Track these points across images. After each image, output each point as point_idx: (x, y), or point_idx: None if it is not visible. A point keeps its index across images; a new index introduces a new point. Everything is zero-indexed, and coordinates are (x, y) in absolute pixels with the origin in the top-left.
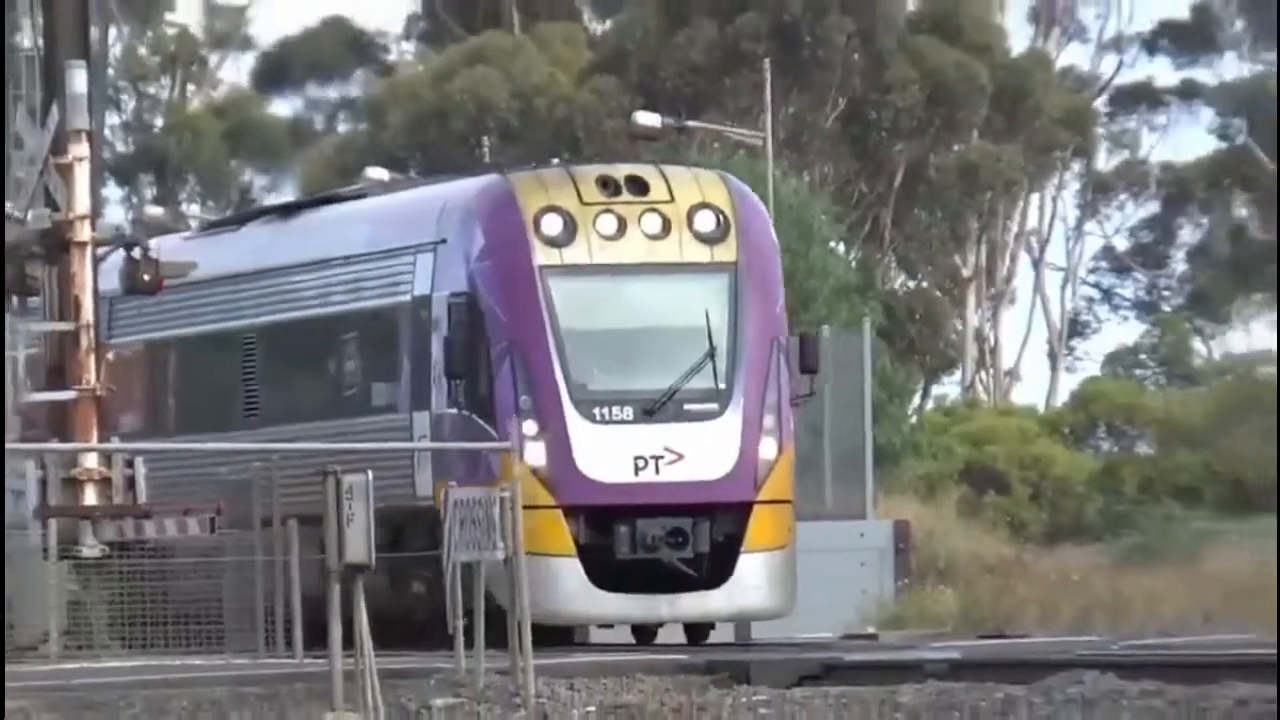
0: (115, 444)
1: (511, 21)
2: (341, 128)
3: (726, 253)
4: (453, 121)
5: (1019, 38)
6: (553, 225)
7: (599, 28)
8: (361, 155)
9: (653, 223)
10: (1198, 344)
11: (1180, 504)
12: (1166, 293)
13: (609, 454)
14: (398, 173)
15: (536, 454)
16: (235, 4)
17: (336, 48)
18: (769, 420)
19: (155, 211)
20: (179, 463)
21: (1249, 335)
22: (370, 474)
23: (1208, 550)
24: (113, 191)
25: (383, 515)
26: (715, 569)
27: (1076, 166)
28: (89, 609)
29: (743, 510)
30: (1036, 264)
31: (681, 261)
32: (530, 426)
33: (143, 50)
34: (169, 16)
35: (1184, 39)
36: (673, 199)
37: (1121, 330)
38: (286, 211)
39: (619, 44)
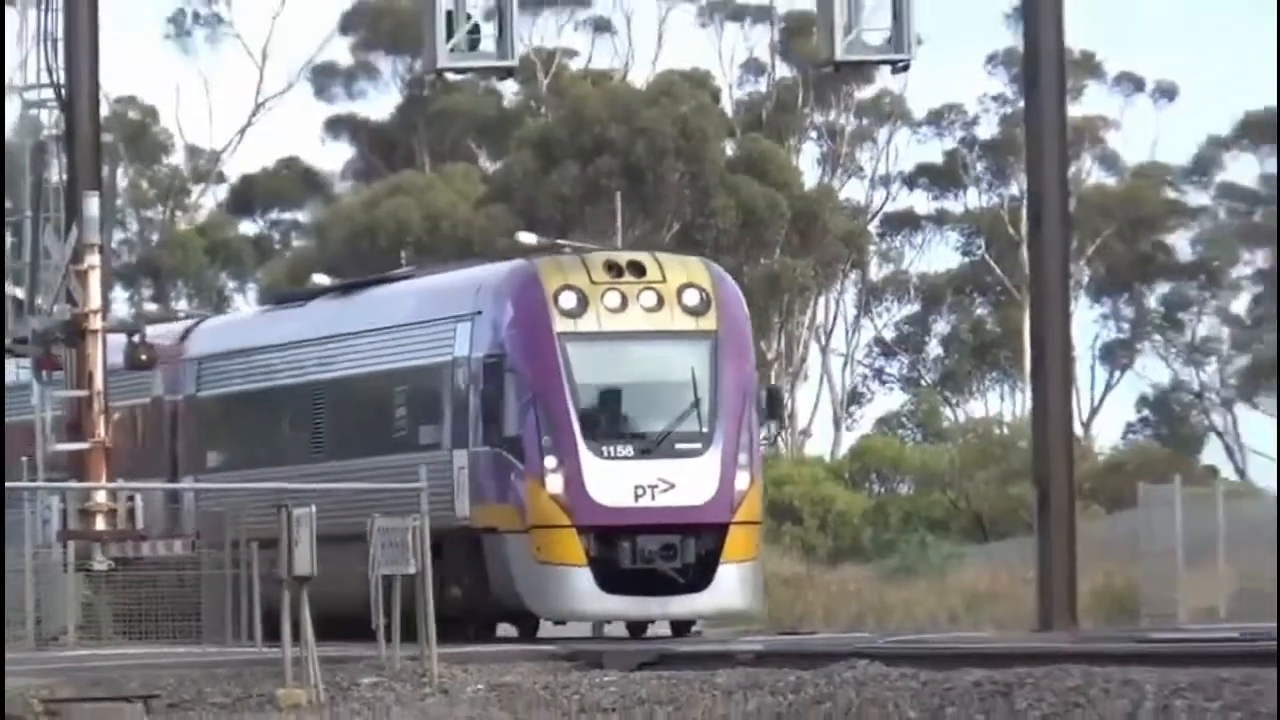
0: (120, 483)
1: (423, 163)
2: (294, 243)
3: (708, 323)
4: (380, 239)
5: (811, 176)
6: (569, 300)
7: (491, 167)
8: (310, 265)
9: (649, 298)
10: (946, 410)
11: (932, 533)
12: (923, 371)
13: (614, 483)
14: (338, 278)
15: (556, 484)
16: (213, 148)
17: (290, 182)
18: (743, 457)
19: (152, 308)
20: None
21: (985, 403)
22: (314, 507)
23: (952, 569)
24: (119, 293)
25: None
26: (700, 576)
27: (854, 275)
28: (98, 609)
29: (722, 529)
30: (824, 350)
31: (672, 329)
32: (551, 461)
33: (143, 183)
34: (164, 159)
35: (937, 177)
36: (665, 279)
37: (888, 400)
38: (347, 290)
39: (506, 180)
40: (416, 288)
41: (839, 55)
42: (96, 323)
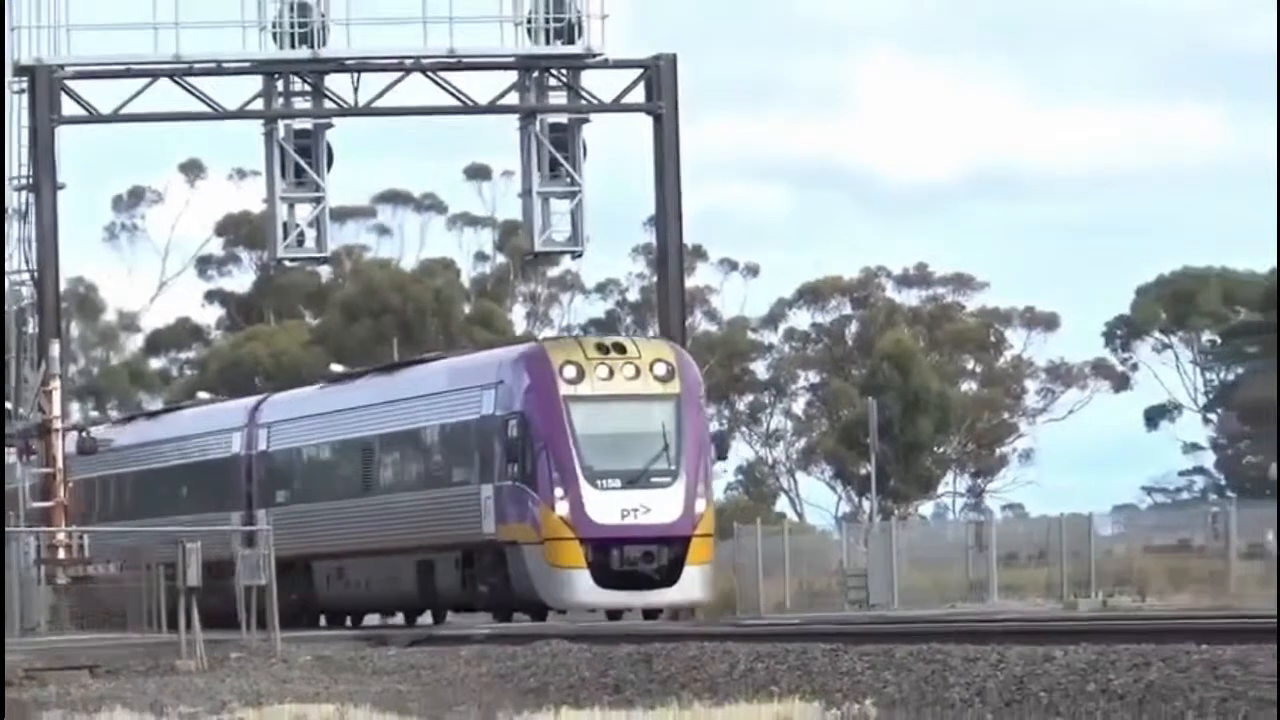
0: (74, 528)
1: (270, 320)
2: (186, 373)
3: (673, 388)
4: (242, 370)
5: (520, 326)
6: (570, 371)
7: (314, 322)
8: (196, 387)
9: (629, 370)
10: None
11: None
12: None
13: (606, 507)
14: (216, 396)
15: (563, 508)
16: (133, 310)
17: (183, 333)
18: (700, 488)
19: (94, 414)
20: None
21: None
22: (200, 542)
23: None
24: (73, 406)
25: (458, 545)
26: (669, 576)
27: None
28: (60, 609)
29: (686, 541)
30: None
31: (647, 393)
32: (559, 491)
33: (88, 333)
34: (101, 317)
35: (601, 327)
36: (641, 356)
37: None
38: (389, 369)
39: (323, 331)
40: (448, 366)
41: (537, 248)
42: (58, 425)
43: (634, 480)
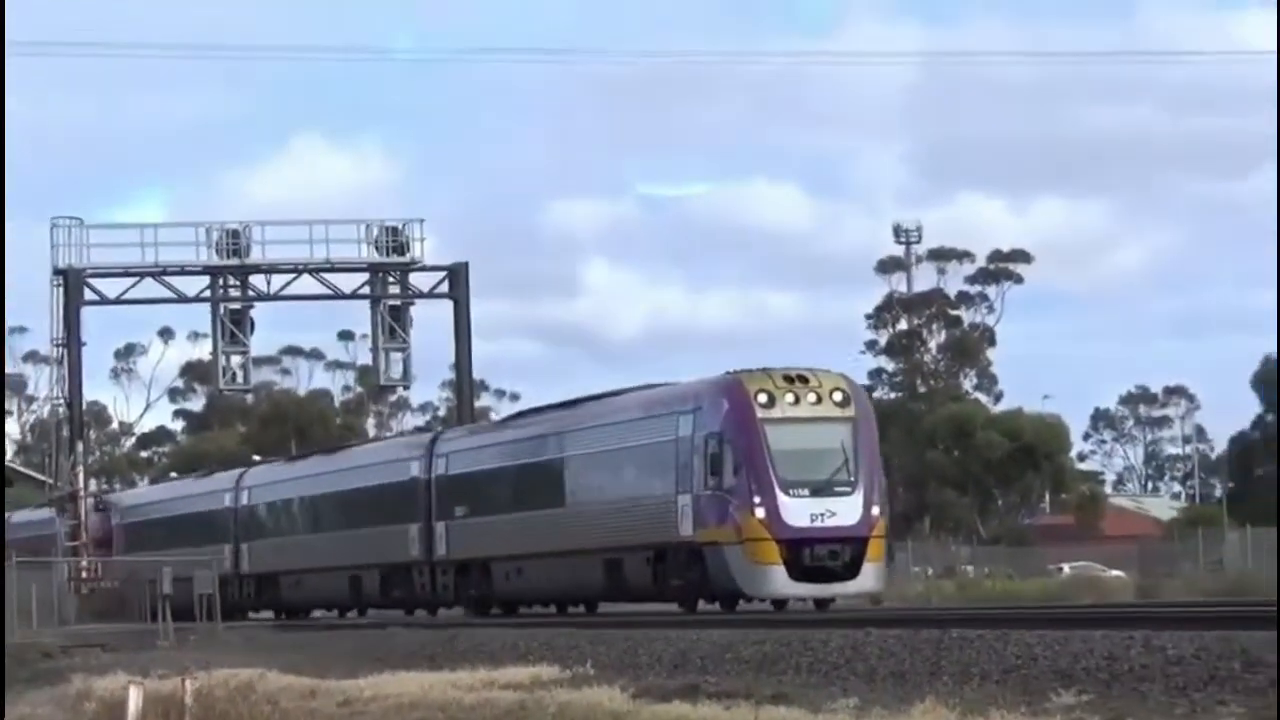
0: (90, 557)
1: (215, 427)
2: (162, 462)
3: (850, 412)
4: (198, 460)
5: (373, 430)
6: (763, 398)
7: (243, 430)
8: (169, 470)
9: (812, 396)
10: None
11: None
12: None
13: (798, 512)
14: (181, 474)
15: (761, 513)
16: (128, 421)
17: (160, 435)
18: (875, 496)
19: (105, 487)
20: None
21: None
22: (170, 568)
23: None
24: (92, 482)
25: (652, 546)
26: (851, 570)
27: None
28: (83, 609)
29: (865, 541)
30: None
31: (829, 416)
32: (757, 499)
33: (100, 436)
34: (108, 426)
35: (424, 432)
36: (821, 385)
37: None
38: (564, 405)
39: (248, 435)
40: (638, 397)
41: (381, 383)
42: (82, 493)
43: (820, 489)
